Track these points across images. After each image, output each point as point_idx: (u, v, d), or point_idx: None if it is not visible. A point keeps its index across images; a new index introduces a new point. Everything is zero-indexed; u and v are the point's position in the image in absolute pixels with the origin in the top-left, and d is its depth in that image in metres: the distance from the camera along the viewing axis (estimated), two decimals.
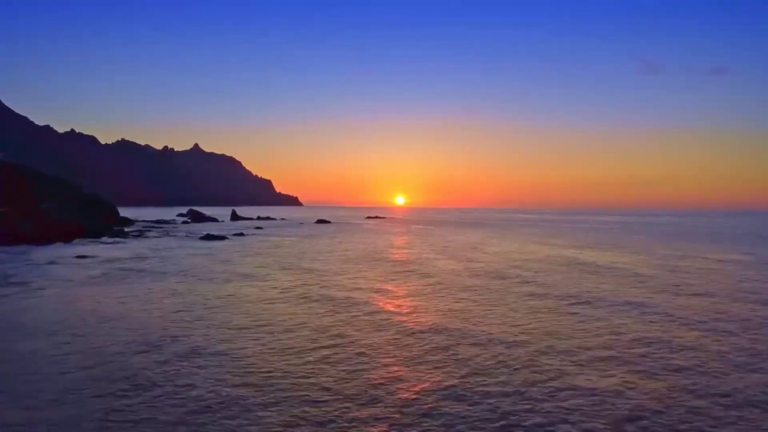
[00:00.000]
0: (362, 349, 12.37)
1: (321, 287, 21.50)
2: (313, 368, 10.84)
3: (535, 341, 13.22)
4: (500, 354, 12.06)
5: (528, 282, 23.57)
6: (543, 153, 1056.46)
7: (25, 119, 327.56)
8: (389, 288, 21.86)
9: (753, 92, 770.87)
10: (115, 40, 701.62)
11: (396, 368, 10.99)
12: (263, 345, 12.64)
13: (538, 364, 11.30)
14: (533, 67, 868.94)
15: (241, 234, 59.82)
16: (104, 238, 48.30)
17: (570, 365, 11.21)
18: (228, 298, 19.01)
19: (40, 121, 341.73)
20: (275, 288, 21.32)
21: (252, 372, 10.53)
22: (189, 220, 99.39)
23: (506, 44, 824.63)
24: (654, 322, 15.55)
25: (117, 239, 48.25)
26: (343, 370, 10.75)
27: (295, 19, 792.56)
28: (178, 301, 18.20)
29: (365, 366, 11.11)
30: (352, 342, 13.04)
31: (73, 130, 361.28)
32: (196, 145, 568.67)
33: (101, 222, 60.19)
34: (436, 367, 11.02)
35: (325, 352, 12.14)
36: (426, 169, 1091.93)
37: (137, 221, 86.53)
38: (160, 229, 67.20)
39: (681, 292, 21.11)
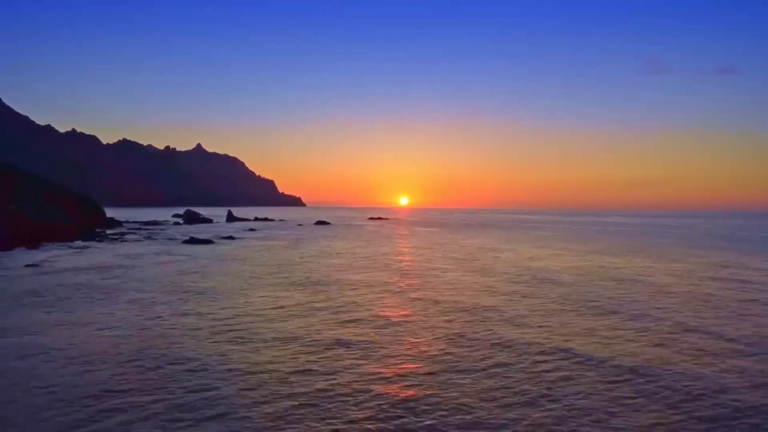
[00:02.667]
0: None
1: (238, 325, 15.44)
2: None
3: None
4: None
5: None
6: (546, 153, 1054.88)
7: (25, 119, 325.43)
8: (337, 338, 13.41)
9: (758, 92, 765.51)
10: (117, 39, 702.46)
11: None
12: None
13: None
14: (537, 67, 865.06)
15: (231, 237, 55.84)
16: (77, 242, 44.47)
17: None
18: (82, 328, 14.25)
19: (41, 121, 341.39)
20: (169, 322, 15.81)
21: None
22: (182, 222, 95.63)
23: (510, 44, 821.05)
24: None
25: (90, 243, 44.39)
26: None
27: (298, 19, 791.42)
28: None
29: None
30: None
31: (74, 130, 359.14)
32: (198, 146, 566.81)
33: (82, 224, 56.44)
34: None
35: None
36: (429, 169, 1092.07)
37: (127, 222, 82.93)
38: (145, 232, 63.32)
39: None
